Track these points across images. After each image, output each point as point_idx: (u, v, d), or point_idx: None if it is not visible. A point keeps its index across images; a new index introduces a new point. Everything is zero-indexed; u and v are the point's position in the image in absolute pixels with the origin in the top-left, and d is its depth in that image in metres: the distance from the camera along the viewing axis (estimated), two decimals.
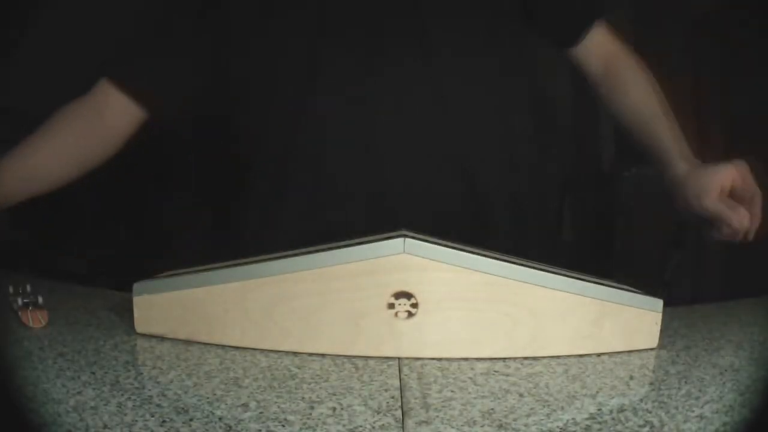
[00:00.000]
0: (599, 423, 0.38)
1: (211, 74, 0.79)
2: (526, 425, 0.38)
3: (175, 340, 0.52)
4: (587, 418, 0.39)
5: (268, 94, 0.77)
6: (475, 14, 0.77)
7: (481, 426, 0.37)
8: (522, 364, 0.49)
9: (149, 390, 0.42)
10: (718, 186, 0.70)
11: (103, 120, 0.79)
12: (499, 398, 0.42)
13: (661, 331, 0.52)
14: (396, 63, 0.74)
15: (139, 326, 0.53)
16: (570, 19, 0.84)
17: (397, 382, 0.44)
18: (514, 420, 0.38)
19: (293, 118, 0.76)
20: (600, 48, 0.85)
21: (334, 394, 0.42)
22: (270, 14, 0.75)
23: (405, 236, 0.48)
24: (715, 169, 0.73)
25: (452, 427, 0.37)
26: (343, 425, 0.37)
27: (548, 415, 0.39)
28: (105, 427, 0.36)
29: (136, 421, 0.36)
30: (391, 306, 0.49)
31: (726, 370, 0.47)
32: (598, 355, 0.51)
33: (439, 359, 0.49)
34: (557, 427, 0.38)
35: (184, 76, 0.79)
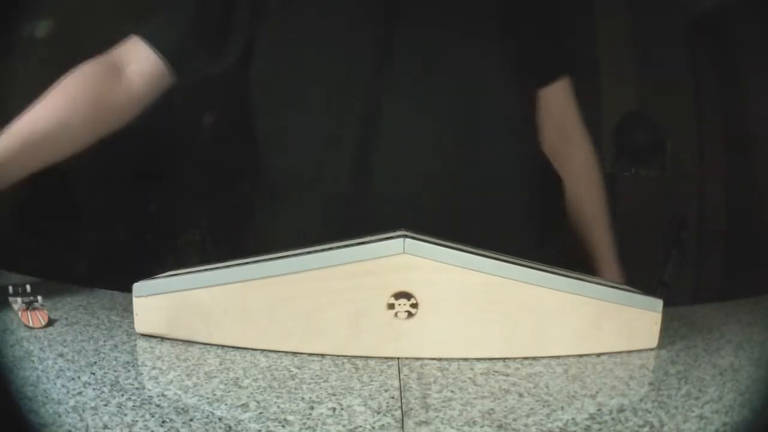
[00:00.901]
0: (599, 423, 0.38)
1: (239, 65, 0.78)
2: (525, 425, 0.38)
3: (175, 341, 0.52)
4: (587, 419, 0.39)
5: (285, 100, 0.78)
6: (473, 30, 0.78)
7: (481, 426, 0.37)
8: (522, 364, 0.49)
9: (149, 390, 0.42)
10: None
11: (125, 76, 0.75)
12: (498, 398, 0.42)
13: (661, 331, 0.52)
14: (400, 72, 0.75)
15: (139, 326, 0.53)
16: (545, 59, 0.85)
17: (397, 383, 0.44)
18: (514, 420, 0.38)
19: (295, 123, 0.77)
20: (557, 105, 0.87)
21: (334, 395, 0.42)
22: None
23: (405, 236, 0.48)
24: None
25: (452, 428, 0.37)
26: (343, 425, 0.37)
27: (548, 416, 0.39)
28: (105, 427, 0.36)
29: (136, 421, 0.37)
30: (391, 306, 0.49)
31: (726, 370, 0.47)
32: (598, 355, 0.51)
33: (439, 359, 0.49)
34: (557, 427, 0.38)
35: (214, 51, 0.77)
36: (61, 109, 0.71)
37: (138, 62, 0.75)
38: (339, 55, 0.75)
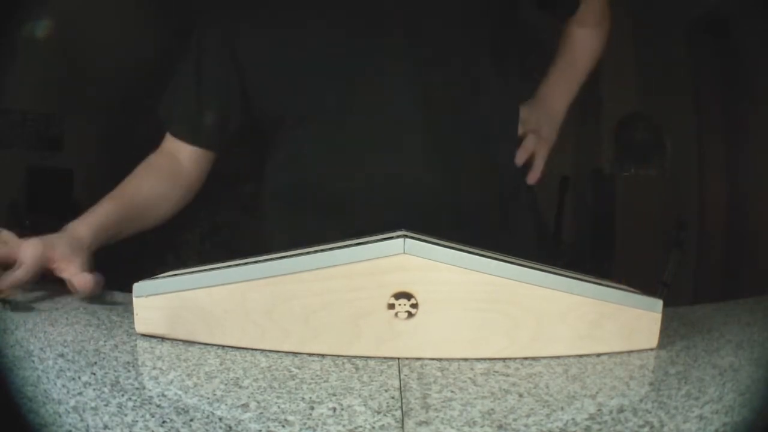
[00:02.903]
0: (599, 423, 0.38)
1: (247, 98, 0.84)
2: (526, 425, 0.38)
3: (175, 341, 0.52)
4: (587, 419, 0.39)
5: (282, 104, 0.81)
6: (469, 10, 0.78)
7: (481, 426, 0.37)
8: (522, 364, 0.49)
9: (149, 390, 0.42)
10: None
11: (181, 166, 0.86)
12: (499, 398, 0.42)
13: (661, 331, 0.52)
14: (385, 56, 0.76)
15: (140, 326, 0.53)
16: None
17: (397, 383, 0.44)
18: (514, 420, 0.38)
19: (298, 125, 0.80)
20: (591, 13, 0.92)
21: (334, 395, 0.42)
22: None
23: (405, 236, 0.48)
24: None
25: (452, 428, 0.37)
26: (343, 425, 0.37)
27: (548, 416, 0.39)
28: (105, 427, 0.36)
29: (137, 421, 0.37)
30: (391, 306, 0.49)
31: (726, 370, 0.47)
32: (598, 355, 0.51)
33: (439, 359, 0.49)
34: (557, 427, 0.38)
35: (232, 111, 0.85)
36: (147, 188, 0.82)
37: (184, 156, 0.86)
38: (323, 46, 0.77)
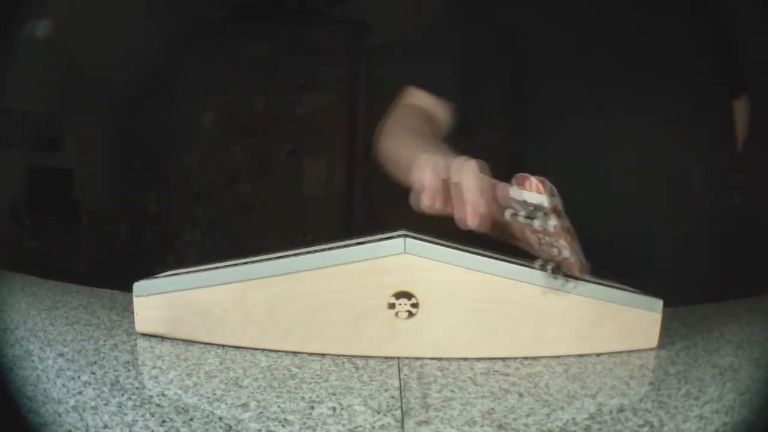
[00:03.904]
0: (599, 423, 0.38)
1: None
2: (525, 425, 0.38)
3: (175, 340, 0.52)
4: (587, 418, 0.39)
5: None
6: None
7: (481, 426, 0.37)
8: (522, 364, 0.49)
9: (149, 390, 0.42)
10: None
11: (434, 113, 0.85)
12: (499, 398, 0.42)
13: (661, 331, 0.52)
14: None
15: (140, 326, 0.53)
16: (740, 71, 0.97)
17: (397, 382, 0.44)
18: (514, 420, 0.38)
19: None
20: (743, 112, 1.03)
21: (334, 394, 0.42)
22: None
23: (405, 236, 0.48)
24: None
25: (452, 427, 0.37)
26: (343, 425, 0.37)
27: (548, 415, 0.39)
28: (105, 426, 0.36)
29: (137, 420, 0.37)
30: (392, 306, 0.49)
31: (726, 370, 0.47)
32: (598, 355, 0.51)
33: (439, 359, 0.49)
34: (557, 427, 0.38)
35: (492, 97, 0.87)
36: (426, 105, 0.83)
37: (431, 106, 0.85)
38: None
